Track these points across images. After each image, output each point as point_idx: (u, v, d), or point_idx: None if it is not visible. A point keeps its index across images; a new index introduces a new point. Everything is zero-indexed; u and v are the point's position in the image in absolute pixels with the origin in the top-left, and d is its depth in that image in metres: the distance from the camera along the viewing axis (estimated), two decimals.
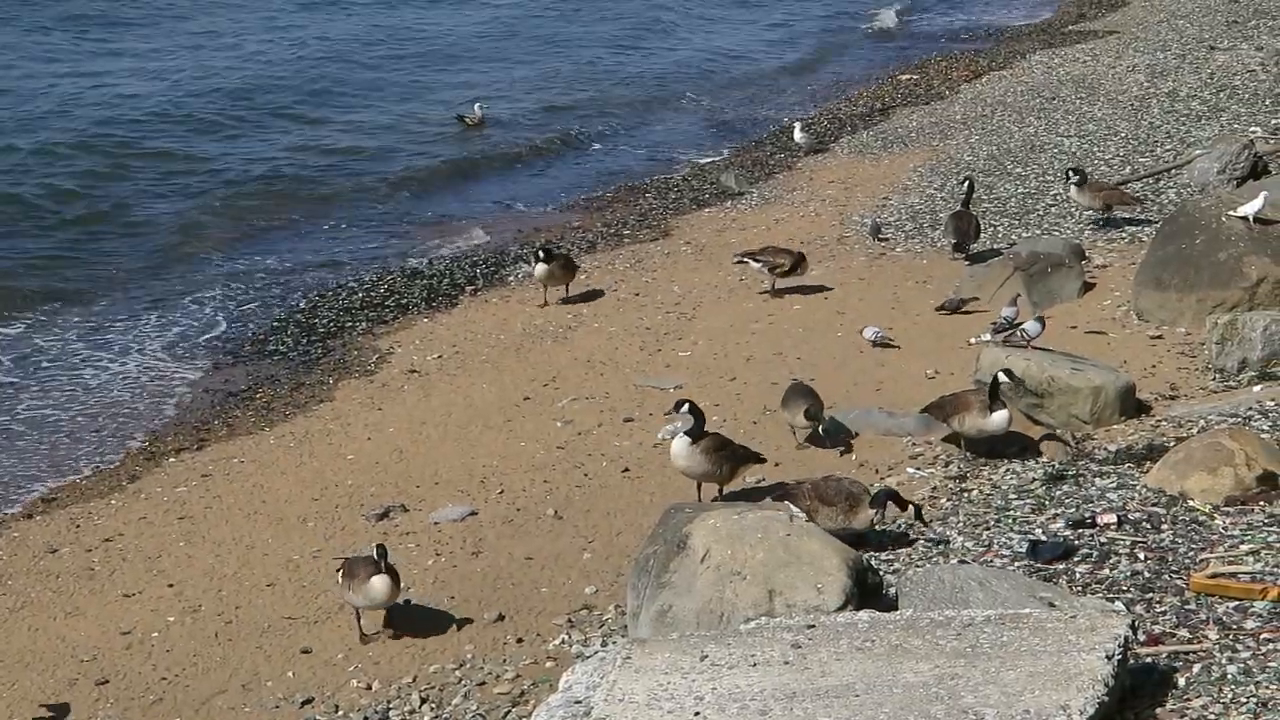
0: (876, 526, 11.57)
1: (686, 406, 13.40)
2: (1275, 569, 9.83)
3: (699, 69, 37.27)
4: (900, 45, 39.55)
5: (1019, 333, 15.72)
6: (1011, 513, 11.88)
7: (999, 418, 13.51)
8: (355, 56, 37.40)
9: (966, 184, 20.95)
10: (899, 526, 11.78)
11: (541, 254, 19.77)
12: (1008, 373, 13.68)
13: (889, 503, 11.57)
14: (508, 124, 31.28)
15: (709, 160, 28.48)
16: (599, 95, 33.80)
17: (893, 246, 21.25)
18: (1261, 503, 11.13)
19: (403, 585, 11.92)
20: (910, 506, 11.56)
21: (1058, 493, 12.15)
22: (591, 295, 20.21)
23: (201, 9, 42.35)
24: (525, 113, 32.29)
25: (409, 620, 12.02)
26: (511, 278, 21.32)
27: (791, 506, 11.64)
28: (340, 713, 11.01)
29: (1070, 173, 21.22)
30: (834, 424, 14.67)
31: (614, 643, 10.55)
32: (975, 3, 45.75)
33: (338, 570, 11.99)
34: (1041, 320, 15.84)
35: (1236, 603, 9.39)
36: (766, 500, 12.41)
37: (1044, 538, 11.11)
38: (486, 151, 29.05)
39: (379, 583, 11.57)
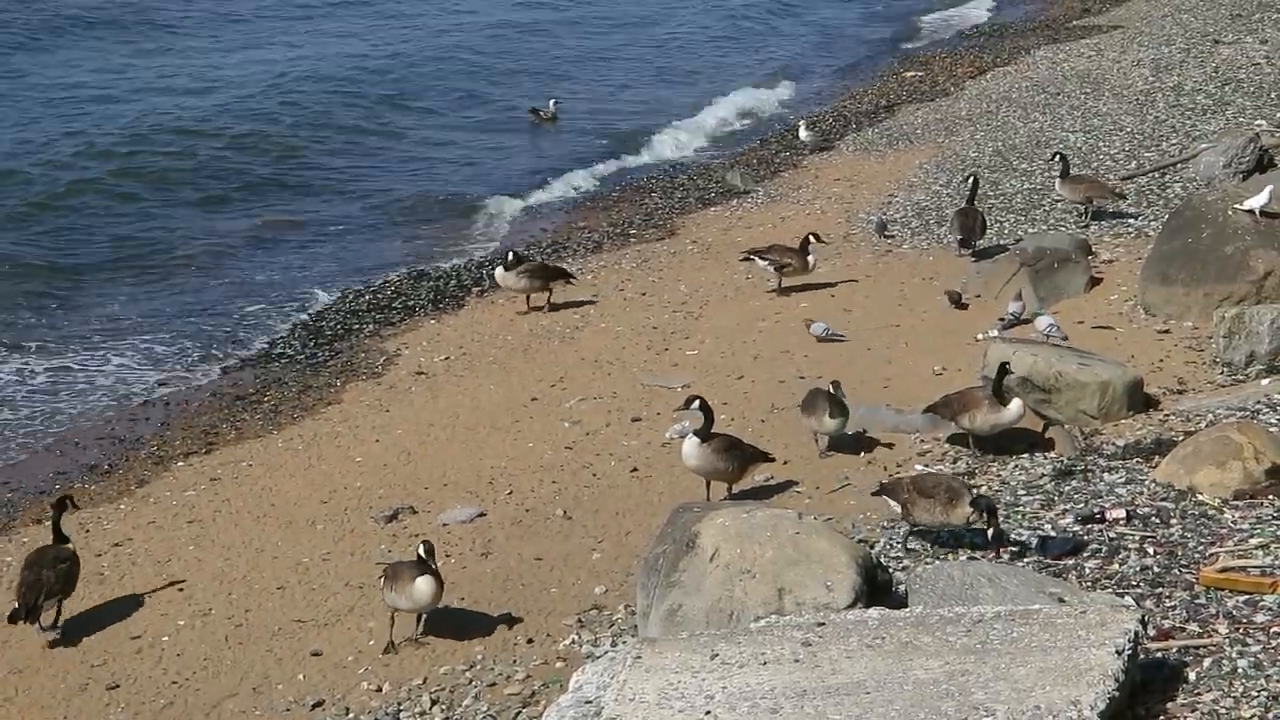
0: (972, 525, 11.20)
1: (697, 403, 13.42)
2: None
3: (700, 67, 37.25)
4: (904, 43, 39.60)
5: (1051, 329, 15.86)
6: (1020, 508, 11.88)
7: (1014, 409, 13.50)
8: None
9: (971, 180, 20.96)
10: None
11: (510, 258, 19.74)
12: (1004, 366, 13.69)
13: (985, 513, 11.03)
14: (508, 125, 31.30)
15: (714, 158, 28.47)
16: (599, 94, 33.76)
17: (899, 244, 21.24)
18: (1270, 496, 11.13)
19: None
20: (993, 528, 10.94)
21: (1066, 488, 12.15)
22: (598, 295, 20.21)
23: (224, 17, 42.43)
24: (514, 113, 32.31)
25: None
26: None
27: (890, 501, 11.61)
28: (351, 715, 11.02)
29: (1059, 157, 21.40)
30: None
31: (624, 642, 10.55)
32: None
33: (380, 576, 11.97)
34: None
35: (1246, 597, 9.40)
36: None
37: (1053, 533, 11.12)
38: (490, 153, 29.05)
39: (424, 583, 11.54)
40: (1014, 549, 10.96)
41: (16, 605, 12.20)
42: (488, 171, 27.85)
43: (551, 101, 32.02)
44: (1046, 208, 21.63)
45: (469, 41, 39.67)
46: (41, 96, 32.49)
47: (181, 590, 12.99)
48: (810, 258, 19.44)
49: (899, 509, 11.54)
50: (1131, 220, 20.66)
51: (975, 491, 11.39)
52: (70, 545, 12.64)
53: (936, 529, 11.24)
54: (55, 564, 12.31)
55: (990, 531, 10.95)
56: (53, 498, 15.16)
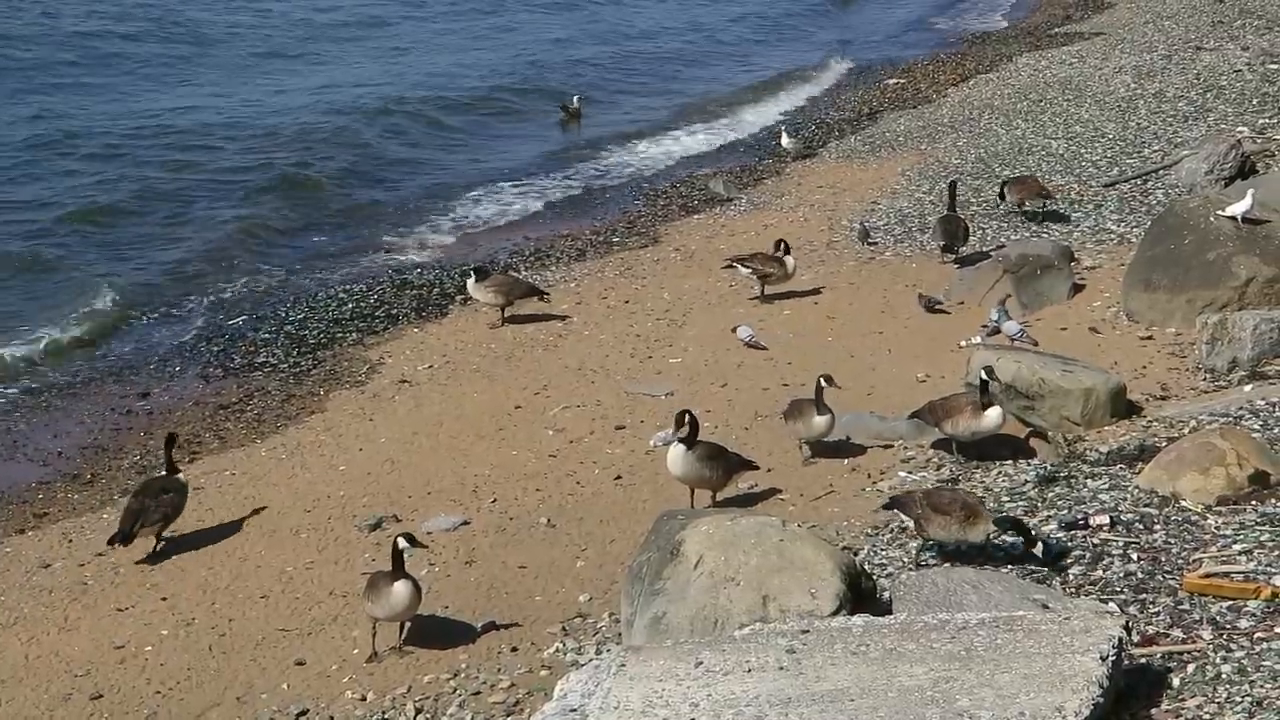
0: (993, 540, 10.95)
1: (687, 417, 13.39)
2: (1268, 568, 9.85)
3: (684, 75, 37.29)
4: (891, 50, 39.66)
5: (1019, 335, 16.06)
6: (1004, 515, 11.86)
7: (992, 415, 13.49)
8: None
9: (950, 186, 21.02)
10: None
11: (473, 273, 19.77)
12: (989, 370, 13.66)
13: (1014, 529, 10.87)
14: (501, 134, 31.29)
15: (697, 166, 28.46)
16: (584, 100, 33.74)
17: (882, 250, 21.27)
18: (1253, 502, 11.14)
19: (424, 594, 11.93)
20: (1033, 537, 10.72)
21: (1050, 494, 12.16)
22: (581, 303, 20.20)
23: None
24: (515, 123, 32.29)
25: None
26: None
27: (902, 515, 11.53)
28: None
29: (1001, 184, 21.93)
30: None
31: (608, 650, 10.53)
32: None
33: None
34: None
35: (1230, 602, 9.41)
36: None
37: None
38: (476, 160, 29.02)
39: (401, 588, 11.53)
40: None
41: (118, 530, 13.57)
42: (473, 181, 27.80)
43: (575, 98, 32.74)
44: (1029, 214, 21.67)
45: (457, 53, 39.70)
46: (30, 96, 32.52)
47: (165, 600, 12.96)
48: (789, 260, 19.48)
49: (911, 524, 11.43)
50: (1113, 228, 20.71)
51: (985, 505, 11.14)
52: (181, 477, 14.11)
53: (952, 546, 11.14)
54: (159, 494, 13.73)
55: (1036, 544, 10.64)
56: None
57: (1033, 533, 10.84)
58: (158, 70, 36.29)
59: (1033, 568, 10.56)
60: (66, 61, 36.51)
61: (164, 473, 14.23)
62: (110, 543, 13.63)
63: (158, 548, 13.81)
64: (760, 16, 45.50)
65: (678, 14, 45.55)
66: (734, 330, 18.04)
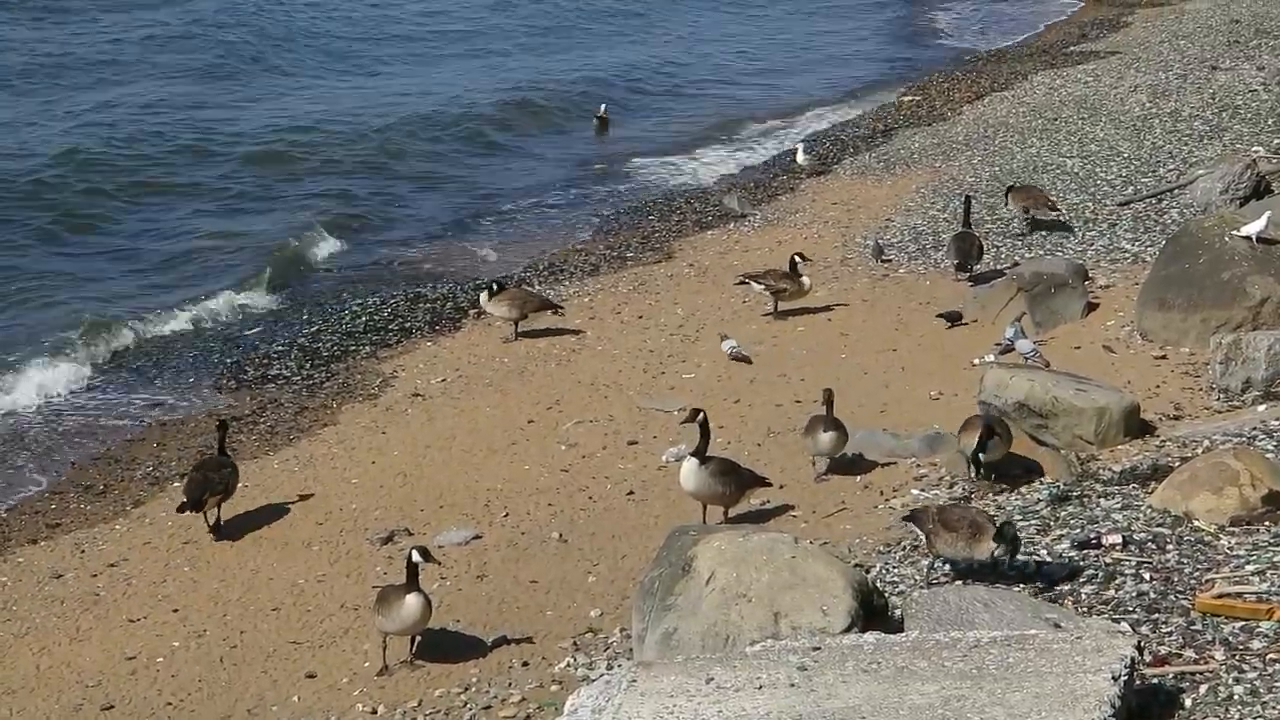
0: (998, 557, 10.86)
1: (701, 416, 13.41)
2: None
3: (698, 89, 37.31)
4: (902, 66, 39.64)
5: (1032, 354, 16.15)
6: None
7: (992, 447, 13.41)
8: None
9: (964, 201, 21.02)
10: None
11: (493, 286, 19.84)
12: (987, 420, 13.62)
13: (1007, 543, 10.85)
14: (512, 148, 31.33)
15: (712, 182, 28.47)
16: (609, 109, 33.79)
17: (896, 267, 21.26)
18: (1267, 522, 11.12)
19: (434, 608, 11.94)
20: (1008, 558, 10.72)
21: (1063, 513, 12.14)
22: (595, 318, 20.21)
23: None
24: (523, 135, 32.33)
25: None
26: None
27: (916, 529, 11.51)
28: None
29: (1006, 191, 22.26)
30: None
31: (619, 666, 10.53)
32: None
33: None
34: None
35: (1242, 623, 9.40)
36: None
37: (1049, 559, 11.10)
38: (488, 174, 29.04)
39: (412, 601, 11.54)
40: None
41: (185, 499, 14.32)
42: (484, 193, 27.83)
43: (603, 106, 33.15)
44: (1044, 232, 21.66)
45: (462, 68, 39.76)
46: (55, 99, 32.56)
47: (176, 611, 12.97)
48: (804, 279, 19.50)
49: (923, 539, 11.41)
50: (1128, 247, 20.70)
51: (999, 524, 11.13)
52: (231, 459, 15.00)
53: (959, 563, 11.12)
54: (219, 469, 14.61)
55: (1006, 560, 10.74)
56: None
57: (1017, 546, 10.79)
58: (199, 83, 36.30)
59: (1042, 586, 10.55)
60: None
61: (216, 454, 14.99)
62: (180, 510, 14.32)
63: (220, 524, 14.49)
64: (782, 33, 45.48)
65: (695, 30, 45.53)
66: (722, 342, 18.05)
